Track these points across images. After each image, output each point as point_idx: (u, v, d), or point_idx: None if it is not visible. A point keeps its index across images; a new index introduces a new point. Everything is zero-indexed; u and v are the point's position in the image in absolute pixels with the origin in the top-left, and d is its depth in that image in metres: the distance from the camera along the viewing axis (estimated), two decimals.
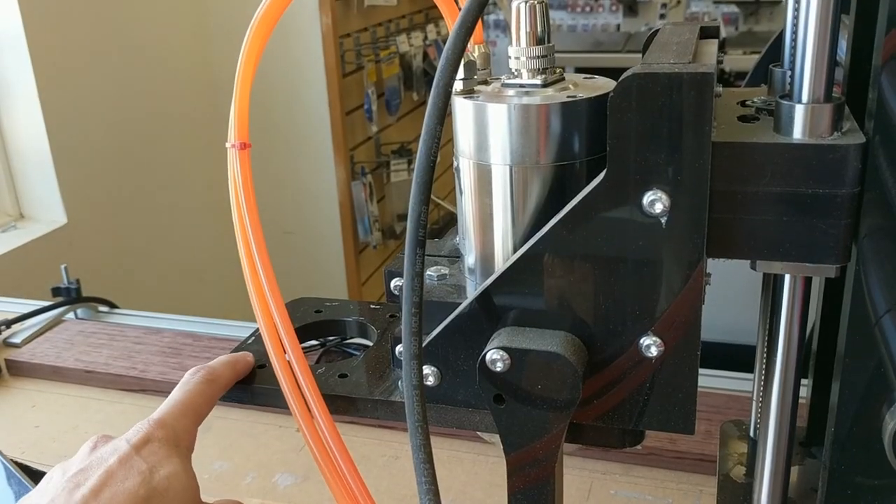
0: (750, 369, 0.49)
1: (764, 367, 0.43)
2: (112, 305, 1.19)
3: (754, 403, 0.50)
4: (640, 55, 0.39)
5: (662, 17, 3.65)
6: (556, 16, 3.72)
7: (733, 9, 3.57)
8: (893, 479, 0.39)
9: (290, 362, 0.47)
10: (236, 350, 0.53)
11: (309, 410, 0.46)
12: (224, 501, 0.48)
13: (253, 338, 0.53)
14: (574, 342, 0.39)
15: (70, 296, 1.17)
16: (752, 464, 0.48)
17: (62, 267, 1.20)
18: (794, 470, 0.47)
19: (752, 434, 0.51)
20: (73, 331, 1.09)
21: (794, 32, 0.36)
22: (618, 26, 3.78)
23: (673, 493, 0.74)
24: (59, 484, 0.43)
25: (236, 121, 0.47)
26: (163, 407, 0.47)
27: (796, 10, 0.36)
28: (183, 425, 0.47)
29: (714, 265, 0.39)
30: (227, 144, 0.47)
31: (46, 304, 1.15)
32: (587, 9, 3.78)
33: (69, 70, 1.90)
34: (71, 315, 1.15)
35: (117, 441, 0.45)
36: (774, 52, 0.51)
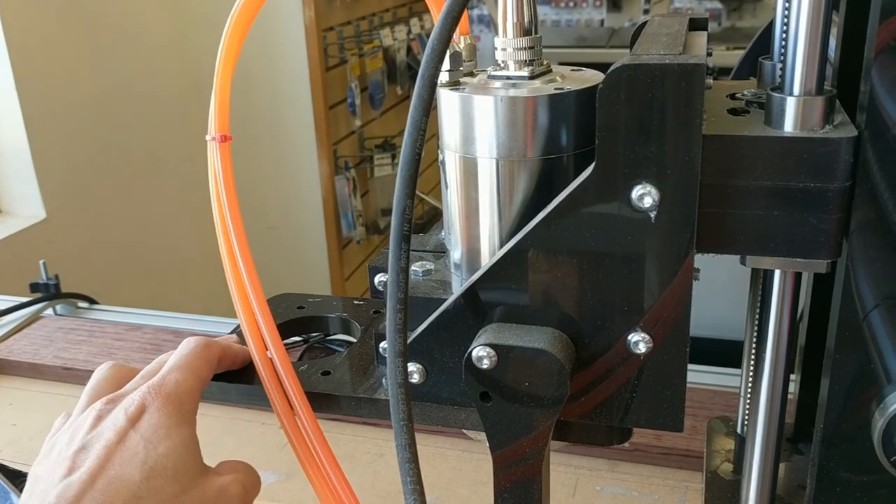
0: (734, 364, 0.49)
1: (752, 363, 0.43)
2: (92, 301, 1.18)
3: (742, 400, 0.50)
4: (623, 50, 0.38)
5: (646, 12, 3.66)
6: (540, 11, 3.71)
7: (716, 4, 3.58)
8: (882, 475, 0.39)
9: (272, 359, 0.46)
10: None
11: (292, 408, 0.45)
12: (227, 463, 0.47)
13: (234, 335, 0.52)
14: (562, 339, 0.39)
15: (49, 292, 1.15)
16: (740, 460, 0.47)
17: (41, 262, 1.19)
18: (782, 467, 0.47)
19: (739, 431, 0.51)
20: (52, 327, 1.08)
21: (785, 25, 0.35)
22: (601, 21, 3.79)
23: (659, 489, 0.73)
24: (60, 460, 0.42)
25: (217, 113, 0.46)
26: (162, 371, 0.46)
27: (787, 1, 0.35)
28: (185, 387, 0.45)
29: (699, 258, 0.39)
30: (208, 137, 0.46)
31: (24, 300, 1.13)
32: (571, 4, 3.78)
33: (47, 63, 1.88)
34: (49, 311, 1.14)
35: (116, 412, 0.43)
36: (761, 45, 0.51)
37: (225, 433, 0.85)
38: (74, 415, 0.46)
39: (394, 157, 2.79)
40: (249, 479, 0.47)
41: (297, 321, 0.55)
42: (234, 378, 0.49)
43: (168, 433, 0.43)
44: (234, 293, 0.46)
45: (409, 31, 2.93)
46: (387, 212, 2.86)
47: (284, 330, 0.53)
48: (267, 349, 0.46)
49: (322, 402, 0.46)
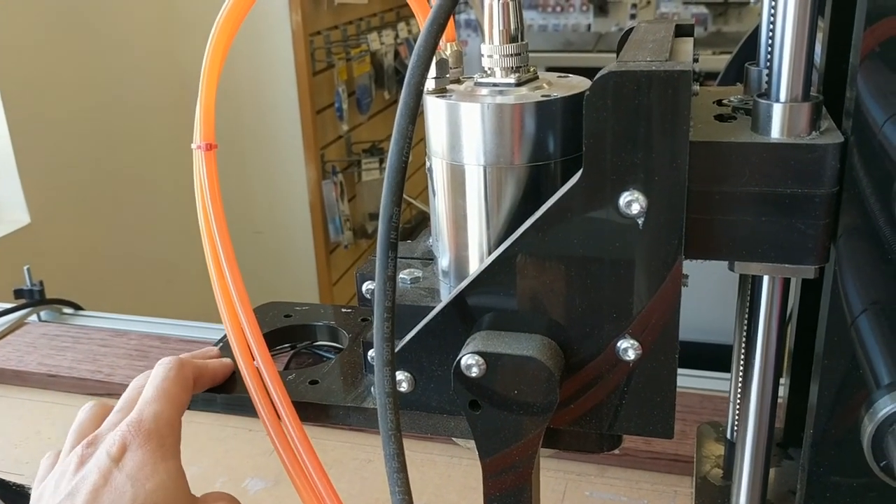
0: (723, 368, 0.49)
1: (741, 368, 0.43)
2: (77, 307, 1.17)
3: (731, 405, 0.50)
4: (610, 55, 0.38)
5: (633, 17, 3.67)
6: (527, 15, 3.72)
7: (702, 10, 3.60)
8: (872, 479, 0.39)
9: (259, 369, 0.45)
10: None
11: (279, 419, 0.45)
12: (212, 494, 0.47)
13: (221, 344, 0.52)
14: (551, 346, 0.39)
15: (33, 297, 1.15)
16: (730, 466, 0.47)
17: (25, 268, 1.18)
18: (772, 472, 0.47)
19: (728, 436, 0.51)
20: (36, 333, 1.07)
21: (771, 31, 0.36)
22: (588, 26, 3.80)
23: (648, 493, 0.73)
24: None
25: (202, 121, 0.46)
26: (139, 405, 0.45)
27: (773, 8, 0.35)
28: (164, 419, 0.44)
29: (688, 263, 0.39)
30: (193, 146, 0.46)
31: (8, 306, 1.12)
32: (558, 9, 3.79)
33: (32, 68, 1.86)
34: (34, 317, 1.13)
35: (99, 454, 0.43)
36: (747, 50, 0.51)
37: (212, 440, 0.85)
38: (61, 457, 0.46)
39: (381, 161, 2.78)
40: None
41: (284, 330, 0.54)
42: (219, 389, 0.48)
43: (154, 469, 0.42)
44: (221, 303, 0.46)
45: (397, 36, 2.93)
46: (374, 216, 2.85)
47: (272, 339, 0.53)
48: (254, 359, 0.46)
49: (310, 412, 0.46)
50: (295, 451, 0.45)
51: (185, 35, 2.33)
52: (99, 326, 1.10)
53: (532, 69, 0.41)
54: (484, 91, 0.40)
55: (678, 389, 0.39)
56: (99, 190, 2.09)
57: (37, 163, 1.88)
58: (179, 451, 0.45)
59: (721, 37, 3.50)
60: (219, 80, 0.46)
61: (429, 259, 0.47)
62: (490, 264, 0.39)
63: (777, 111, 0.35)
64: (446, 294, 0.42)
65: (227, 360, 0.49)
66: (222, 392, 0.48)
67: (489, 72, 0.41)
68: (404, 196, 0.36)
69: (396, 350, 0.41)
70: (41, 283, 1.16)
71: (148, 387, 0.46)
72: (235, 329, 0.46)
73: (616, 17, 3.75)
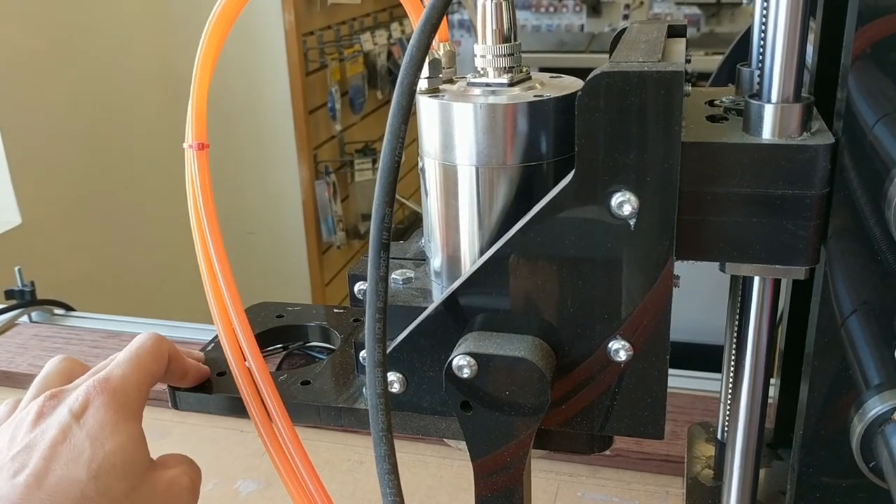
0: (714, 368, 0.49)
1: (732, 369, 0.43)
2: (68, 308, 1.16)
3: (722, 406, 0.50)
4: (603, 55, 0.38)
5: (626, 17, 3.68)
6: (520, 16, 3.72)
7: (695, 10, 3.61)
8: (861, 480, 0.39)
9: (250, 370, 0.45)
10: None
11: (271, 420, 0.45)
12: (171, 456, 0.46)
13: (213, 344, 0.52)
14: (542, 347, 0.39)
15: (24, 298, 1.14)
16: (721, 466, 0.47)
17: (16, 269, 1.17)
18: (762, 472, 0.47)
19: (719, 437, 0.51)
20: (27, 334, 1.06)
21: (763, 32, 0.36)
22: (581, 26, 3.80)
23: (639, 494, 0.74)
24: (3, 461, 0.41)
25: (194, 121, 0.45)
26: (109, 366, 0.45)
27: (765, 8, 0.35)
28: (132, 381, 0.44)
29: (679, 264, 0.39)
30: (185, 145, 0.46)
31: None
32: (551, 9, 3.80)
33: (24, 68, 1.85)
34: (25, 318, 1.12)
35: (61, 409, 0.42)
36: (739, 51, 0.51)
37: (203, 441, 0.84)
38: (20, 406, 0.45)
39: (374, 161, 2.78)
40: (195, 471, 0.46)
41: (276, 330, 0.54)
42: (197, 389, 0.48)
43: (115, 429, 0.42)
44: (212, 303, 0.46)
45: (390, 36, 2.93)
46: (367, 217, 2.85)
47: (263, 339, 0.53)
48: (245, 359, 0.46)
49: (302, 412, 0.46)
50: (286, 453, 0.45)
51: (176, 36, 2.32)
52: (90, 327, 1.09)
53: (525, 69, 0.41)
54: (476, 91, 0.40)
55: (670, 390, 0.39)
56: (90, 191, 2.09)
57: (28, 163, 1.87)
58: (141, 416, 0.44)
59: (713, 37, 3.51)
60: (211, 79, 0.45)
61: (421, 260, 0.47)
62: (482, 265, 0.39)
63: (768, 112, 0.35)
64: (438, 295, 0.42)
65: (204, 367, 0.49)
66: (199, 391, 0.48)
67: (482, 72, 0.41)
68: (397, 196, 0.36)
69: (388, 351, 0.41)
70: (32, 283, 1.15)
71: (122, 352, 0.46)
72: (227, 329, 0.45)
73: (609, 18, 3.76)
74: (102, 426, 0.41)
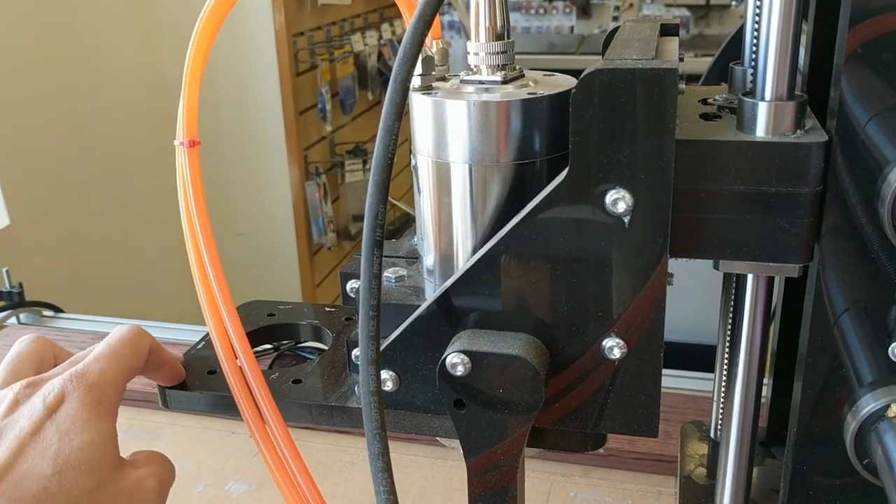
0: (707, 368, 0.49)
1: (725, 367, 0.43)
2: (57, 310, 1.16)
3: (715, 404, 0.50)
4: (593, 57, 0.38)
5: (615, 19, 3.69)
6: (511, 17, 3.72)
7: (684, 12, 3.62)
8: (855, 478, 0.39)
9: (241, 368, 0.45)
10: (186, 355, 0.51)
11: (262, 418, 0.45)
12: (143, 454, 0.46)
13: (203, 343, 0.52)
14: (536, 344, 0.38)
15: (12, 300, 1.13)
16: (714, 465, 0.47)
17: (4, 270, 1.16)
18: (756, 471, 0.47)
19: (712, 435, 0.51)
20: (16, 336, 1.05)
21: (756, 30, 0.36)
22: (571, 28, 3.81)
23: (632, 494, 0.74)
24: None
25: (185, 117, 0.45)
26: (87, 359, 0.44)
27: (758, 7, 0.35)
28: (109, 377, 0.43)
29: (672, 262, 0.39)
30: (176, 142, 0.45)
31: None
32: (541, 11, 3.80)
33: (10, 68, 1.84)
34: (13, 320, 1.12)
35: (35, 401, 0.42)
36: (730, 52, 0.51)
37: (194, 442, 0.84)
38: None
39: (365, 162, 2.78)
40: (165, 471, 0.46)
41: (267, 329, 0.54)
42: (203, 386, 0.48)
43: (85, 425, 0.41)
44: (203, 301, 0.45)
45: (380, 37, 2.93)
46: (358, 218, 2.84)
47: (254, 338, 0.52)
48: (237, 358, 0.45)
49: (294, 411, 0.46)
50: (279, 453, 0.45)
51: (166, 36, 2.31)
52: (79, 329, 1.09)
53: (518, 67, 0.41)
54: (470, 88, 0.40)
55: (664, 389, 0.39)
56: (79, 191, 2.07)
57: (16, 164, 1.86)
58: (116, 413, 0.44)
59: (703, 39, 3.52)
60: (202, 76, 0.45)
61: (413, 258, 0.47)
62: (475, 263, 0.39)
63: (762, 110, 0.35)
64: (431, 293, 0.42)
65: (181, 369, 0.49)
66: (207, 390, 0.48)
67: (475, 69, 0.41)
68: (389, 196, 0.36)
69: (381, 349, 0.40)
70: (20, 285, 1.15)
71: (101, 344, 0.45)
72: (218, 328, 0.45)
73: (599, 20, 3.77)
74: (74, 422, 0.41)
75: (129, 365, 0.45)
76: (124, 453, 0.47)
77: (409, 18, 0.40)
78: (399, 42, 0.34)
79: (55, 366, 0.46)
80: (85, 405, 0.42)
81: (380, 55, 2.92)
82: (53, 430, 0.40)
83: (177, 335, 1.05)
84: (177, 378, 0.49)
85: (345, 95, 2.73)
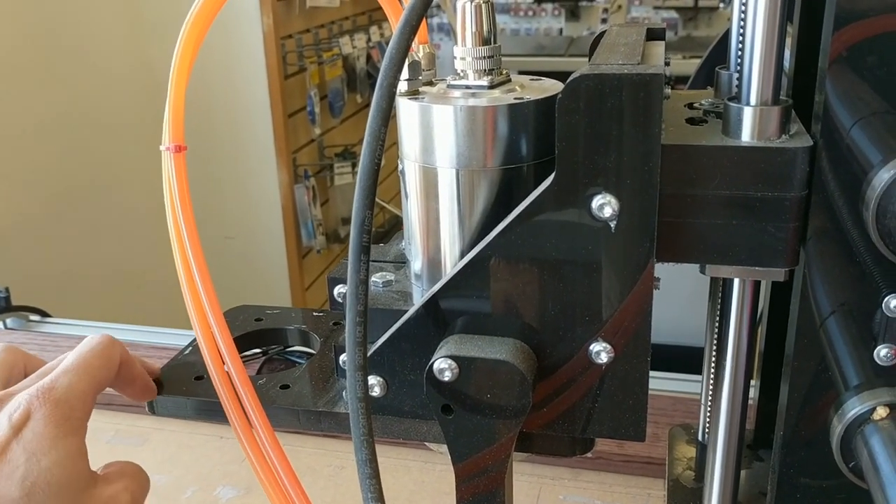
0: (694, 370, 0.49)
1: (713, 370, 0.43)
2: (44, 314, 1.15)
3: (703, 407, 0.50)
4: (582, 59, 0.39)
5: (604, 21, 3.70)
6: (499, 19, 3.72)
7: (672, 14, 3.63)
8: (841, 480, 0.39)
9: (229, 373, 0.45)
10: (173, 360, 0.51)
11: (250, 423, 0.44)
12: (116, 466, 0.45)
13: (190, 348, 0.51)
14: (523, 349, 0.38)
15: None
16: (702, 468, 0.48)
17: None
18: (743, 473, 0.47)
19: (700, 438, 0.51)
20: (2, 341, 1.04)
21: (741, 35, 0.36)
22: (560, 30, 3.82)
23: (621, 496, 0.74)
24: None
25: (171, 123, 0.45)
26: (55, 371, 0.43)
27: (743, 11, 0.35)
28: (77, 391, 0.42)
29: (659, 266, 0.39)
30: (162, 147, 0.45)
31: None
32: (530, 13, 3.81)
33: None
34: (0, 325, 1.11)
35: (0, 418, 0.40)
36: (716, 55, 0.51)
37: (181, 448, 0.83)
38: None
39: (354, 165, 2.77)
40: (138, 484, 0.45)
41: (255, 333, 0.54)
42: (189, 392, 0.48)
43: (53, 444, 0.40)
44: (190, 306, 0.45)
45: (369, 39, 2.93)
46: (347, 220, 2.84)
47: (242, 343, 0.52)
48: (224, 363, 0.45)
49: (281, 416, 0.45)
50: (267, 458, 0.44)
51: (153, 39, 2.30)
52: (67, 334, 1.08)
53: (505, 72, 0.41)
54: (457, 93, 0.40)
55: (651, 392, 0.39)
56: (66, 195, 2.06)
57: (2, 167, 1.85)
58: (86, 428, 0.42)
59: (691, 41, 3.54)
60: (188, 80, 0.45)
61: (401, 262, 0.47)
62: (463, 267, 0.39)
63: (747, 114, 0.35)
64: (419, 297, 0.42)
65: (153, 385, 0.48)
66: (193, 396, 0.47)
67: (462, 74, 0.41)
68: (377, 200, 0.36)
69: (368, 354, 0.40)
70: (7, 289, 1.14)
71: (70, 355, 0.44)
72: (205, 332, 0.45)
73: (587, 22, 3.78)
74: (41, 440, 0.40)
75: (99, 377, 0.44)
76: (111, 458, 0.46)
77: (395, 23, 0.40)
78: (388, 44, 0.34)
79: (26, 375, 0.45)
80: (51, 423, 0.40)
81: (368, 58, 2.92)
82: (20, 451, 0.39)
83: (165, 339, 1.04)
84: (147, 394, 0.47)
85: (333, 98, 2.73)
